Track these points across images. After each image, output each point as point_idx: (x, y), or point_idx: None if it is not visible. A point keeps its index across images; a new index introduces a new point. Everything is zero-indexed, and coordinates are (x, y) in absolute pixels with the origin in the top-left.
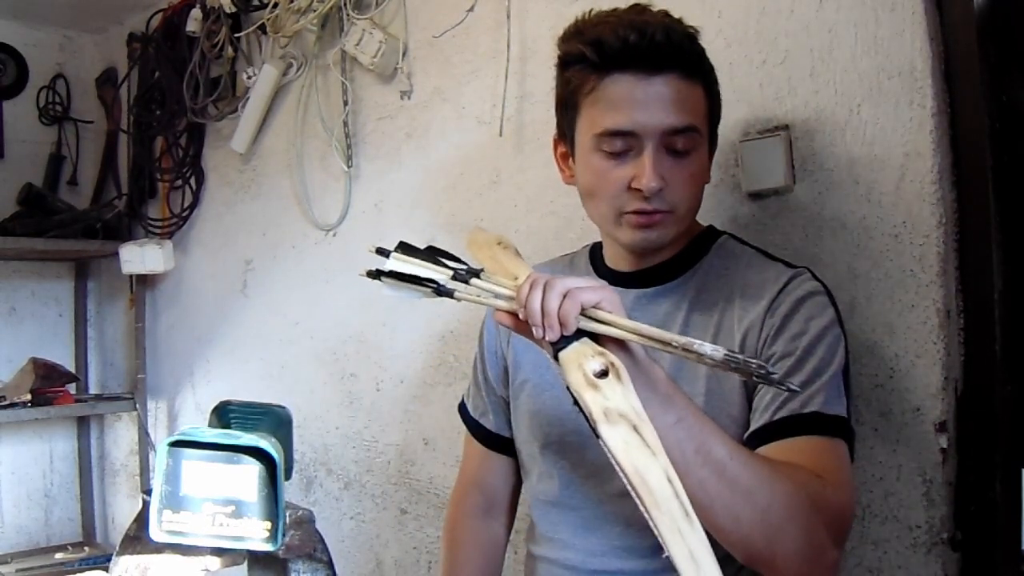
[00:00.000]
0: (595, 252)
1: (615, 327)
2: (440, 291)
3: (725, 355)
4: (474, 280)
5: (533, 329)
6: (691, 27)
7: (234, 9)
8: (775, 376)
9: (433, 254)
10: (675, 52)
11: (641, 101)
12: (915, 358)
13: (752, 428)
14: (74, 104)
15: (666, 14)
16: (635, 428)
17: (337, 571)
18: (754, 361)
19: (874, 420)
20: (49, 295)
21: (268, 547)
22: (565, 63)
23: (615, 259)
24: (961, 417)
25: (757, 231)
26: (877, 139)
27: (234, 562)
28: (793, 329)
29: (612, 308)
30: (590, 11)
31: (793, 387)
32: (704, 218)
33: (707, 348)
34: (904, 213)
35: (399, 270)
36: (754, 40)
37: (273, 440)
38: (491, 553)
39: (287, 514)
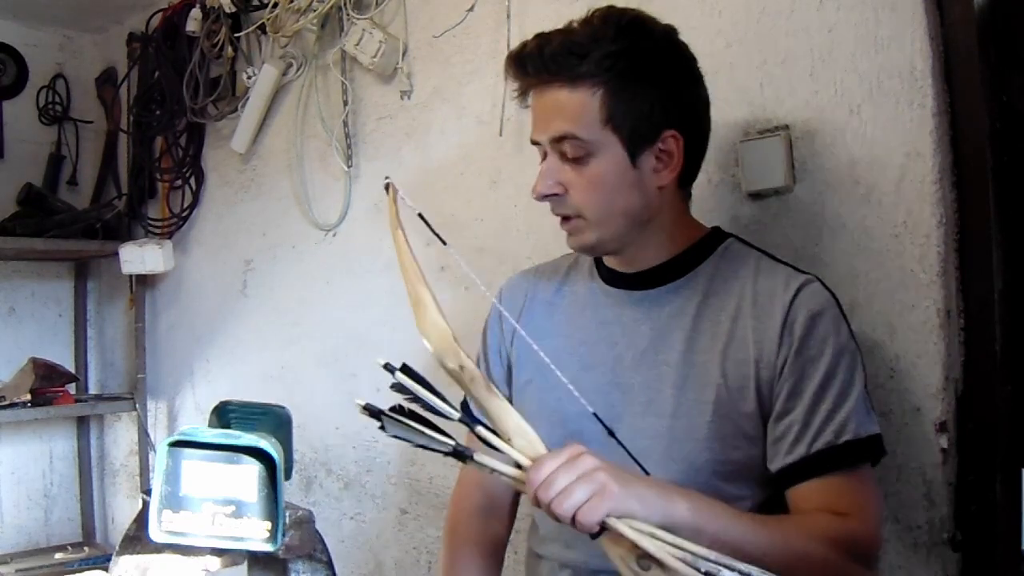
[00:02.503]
0: None
1: (635, 537)
2: (457, 453)
3: None
4: (476, 456)
5: None
6: (635, 27)
7: (234, 9)
8: (800, 458)
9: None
10: (546, 62)
11: (536, 112)
12: (915, 358)
13: (786, 461)
14: (74, 104)
15: (622, 12)
16: None
17: (337, 571)
18: None
19: None
20: (49, 295)
21: (268, 547)
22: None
23: (611, 260)
24: (961, 417)
25: (757, 231)
26: (877, 139)
27: (234, 562)
28: (811, 351)
29: (621, 513)
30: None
31: None
32: (705, 218)
33: None
34: (904, 213)
35: (409, 422)
36: (754, 40)
37: (273, 440)
38: (492, 553)
39: (287, 514)
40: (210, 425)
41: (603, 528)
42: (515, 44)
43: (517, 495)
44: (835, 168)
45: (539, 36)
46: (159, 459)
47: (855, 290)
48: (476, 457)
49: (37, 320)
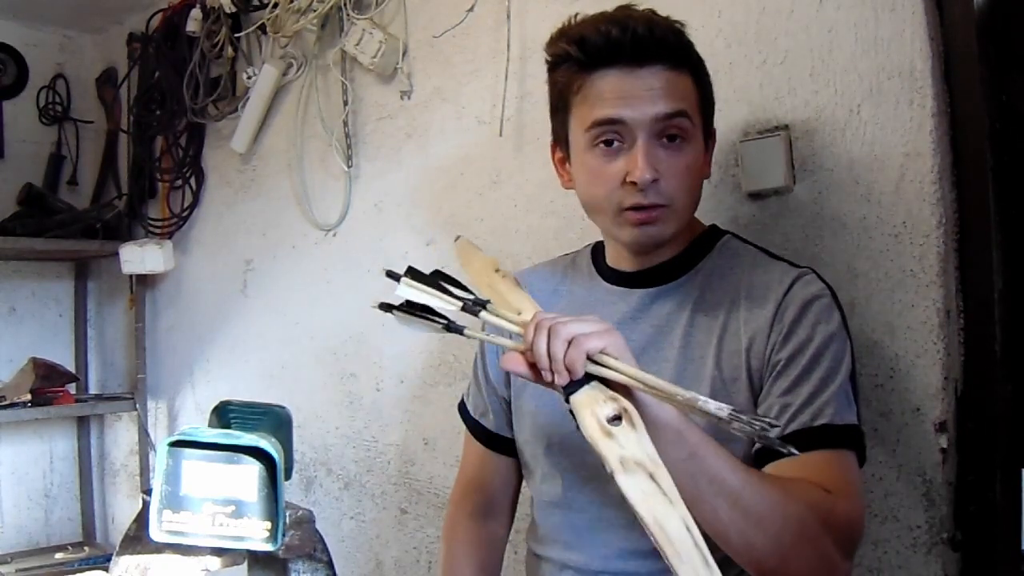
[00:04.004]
0: (597, 252)
1: (621, 373)
2: (450, 328)
3: (730, 413)
4: (482, 313)
5: (542, 372)
6: (677, 22)
7: (234, 9)
8: (777, 437)
9: (439, 282)
10: (658, 44)
11: (629, 93)
12: (915, 358)
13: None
14: (74, 104)
15: (651, 11)
16: (652, 476)
17: (337, 571)
18: (759, 422)
19: (874, 420)
20: (49, 295)
21: (268, 547)
22: (553, 65)
23: (617, 259)
24: (961, 417)
25: (757, 231)
26: (877, 139)
27: (234, 562)
28: (800, 336)
29: (618, 353)
30: (575, 15)
31: (792, 451)
32: (704, 218)
33: (711, 406)
34: (904, 213)
35: (411, 299)
36: (754, 40)
37: (273, 440)
38: (490, 553)
39: (287, 514)
40: (210, 425)
41: (583, 382)
42: (515, 44)
43: (516, 495)
44: (835, 168)
45: (622, 19)
46: (159, 459)
47: (855, 290)
48: (466, 332)
49: (37, 320)
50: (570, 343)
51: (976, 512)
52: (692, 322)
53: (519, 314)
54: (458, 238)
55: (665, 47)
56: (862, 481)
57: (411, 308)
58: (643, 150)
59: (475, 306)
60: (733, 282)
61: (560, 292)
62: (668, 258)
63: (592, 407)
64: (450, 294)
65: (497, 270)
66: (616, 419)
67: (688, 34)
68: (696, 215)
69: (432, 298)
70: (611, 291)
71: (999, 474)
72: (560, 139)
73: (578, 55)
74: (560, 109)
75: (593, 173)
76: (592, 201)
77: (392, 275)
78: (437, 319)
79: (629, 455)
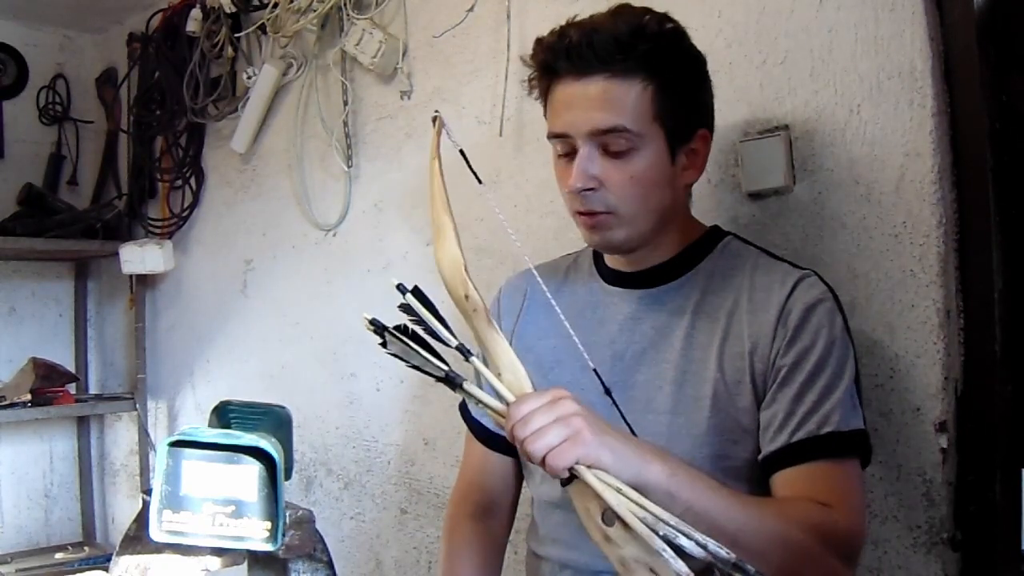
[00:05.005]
0: (598, 252)
1: (594, 490)
2: (448, 379)
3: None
4: (466, 385)
5: None
6: (642, 22)
7: (234, 9)
8: (784, 445)
9: (425, 339)
10: (596, 52)
11: (569, 103)
12: (915, 358)
13: (769, 449)
14: (74, 104)
15: (645, 11)
16: (652, 569)
17: (337, 571)
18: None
19: (874, 420)
20: (49, 295)
21: (268, 547)
22: (536, 68)
23: (614, 260)
24: (961, 417)
25: (757, 231)
26: (877, 139)
27: (234, 562)
28: (804, 341)
29: (591, 462)
30: (575, 16)
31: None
32: (704, 218)
33: (681, 569)
34: (904, 213)
35: (396, 348)
36: (754, 40)
37: (273, 440)
38: (491, 553)
39: (287, 514)
40: (210, 425)
41: (573, 476)
42: (515, 44)
43: (516, 495)
44: (835, 168)
45: (577, 26)
46: (159, 459)
47: (855, 290)
48: (465, 386)
49: (37, 320)
50: (544, 458)
51: (976, 512)
52: (693, 323)
53: (499, 375)
54: (436, 115)
55: (605, 55)
56: (865, 487)
57: (408, 350)
58: (578, 160)
59: (461, 364)
60: (735, 283)
61: (562, 292)
62: (666, 259)
63: (584, 502)
64: (434, 353)
65: (466, 296)
66: (609, 515)
67: (671, 34)
68: (696, 215)
69: (418, 352)
70: (612, 292)
71: (999, 474)
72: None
73: (535, 63)
74: (544, 112)
75: (557, 178)
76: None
77: (377, 329)
78: (434, 369)
79: (628, 555)
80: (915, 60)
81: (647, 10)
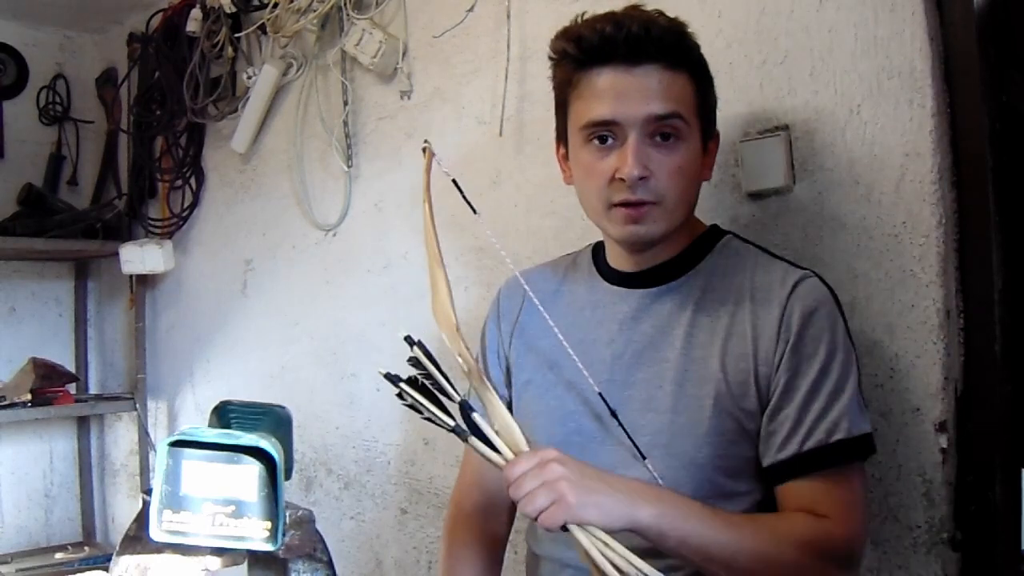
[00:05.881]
0: (597, 251)
1: (586, 546)
2: (456, 431)
3: None
4: (471, 440)
5: None
6: (679, 22)
7: (234, 9)
8: (793, 455)
9: (435, 392)
10: (654, 43)
11: (622, 92)
12: (915, 358)
13: (777, 458)
14: (74, 104)
15: (658, 12)
16: None
17: (337, 571)
18: None
19: (874, 420)
20: (49, 295)
21: (268, 547)
22: (554, 63)
23: (617, 258)
24: (961, 417)
25: (757, 231)
26: (877, 139)
27: (234, 562)
28: (808, 348)
29: (577, 522)
30: (583, 13)
31: None
32: (704, 218)
33: None
34: (904, 213)
35: (412, 392)
36: (754, 40)
37: (273, 440)
38: (491, 553)
39: (287, 514)
40: (210, 425)
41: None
42: (515, 44)
43: None
44: (835, 168)
45: (628, 17)
46: (159, 459)
47: (855, 290)
48: (470, 441)
49: (37, 320)
50: (537, 517)
51: (976, 512)
52: (694, 322)
53: (496, 432)
54: (425, 146)
55: (661, 47)
56: (867, 488)
57: (420, 389)
58: (633, 147)
59: (465, 419)
60: (735, 283)
61: (561, 292)
62: (668, 258)
63: (589, 551)
64: (442, 407)
65: (459, 355)
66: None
67: (694, 36)
68: (696, 215)
69: (428, 397)
70: (612, 291)
71: (999, 474)
72: (561, 135)
73: (574, 52)
74: (560, 106)
75: (586, 169)
76: (585, 196)
77: (391, 379)
78: (443, 420)
79: None
80: (915, 60)
81: (660, 12)
